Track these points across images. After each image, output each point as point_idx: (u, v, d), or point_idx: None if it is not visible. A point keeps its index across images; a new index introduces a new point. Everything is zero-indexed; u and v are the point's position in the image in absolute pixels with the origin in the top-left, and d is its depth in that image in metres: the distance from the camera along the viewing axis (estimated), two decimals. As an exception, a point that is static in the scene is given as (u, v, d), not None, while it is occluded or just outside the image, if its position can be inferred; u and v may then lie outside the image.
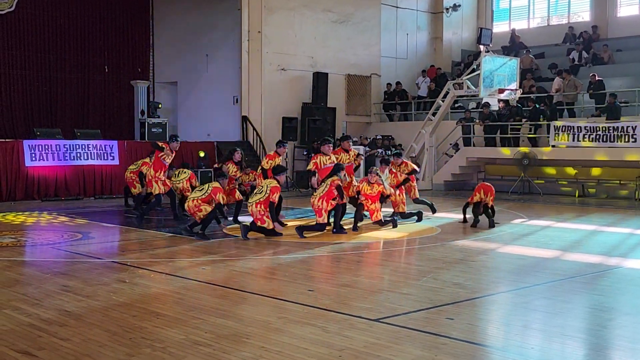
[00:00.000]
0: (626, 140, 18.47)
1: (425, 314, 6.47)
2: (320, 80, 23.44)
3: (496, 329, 6.26)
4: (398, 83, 26.25)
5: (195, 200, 11.33)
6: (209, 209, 11.28)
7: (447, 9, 28.64)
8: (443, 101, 21.67)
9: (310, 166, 13.09)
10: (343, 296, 7.19)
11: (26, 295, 7.13)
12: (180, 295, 7.21)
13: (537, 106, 20.84)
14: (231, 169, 13.86)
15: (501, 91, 20.22)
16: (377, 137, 23.54)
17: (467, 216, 13.21)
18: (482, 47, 20.85)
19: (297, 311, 6.52)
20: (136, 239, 11.40)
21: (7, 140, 18.15)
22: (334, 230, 11.80)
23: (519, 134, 21.35)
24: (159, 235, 11.95)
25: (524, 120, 21.17)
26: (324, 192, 11.67)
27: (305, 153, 22.78)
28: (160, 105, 23.33)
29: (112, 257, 9.68)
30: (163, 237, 11.71)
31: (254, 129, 22.71)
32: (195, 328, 5.89)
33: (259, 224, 11.23)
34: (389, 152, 22.18)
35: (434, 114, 22.09)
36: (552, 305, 6.94)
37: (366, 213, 12.71)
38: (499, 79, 20.14)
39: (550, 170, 20.80)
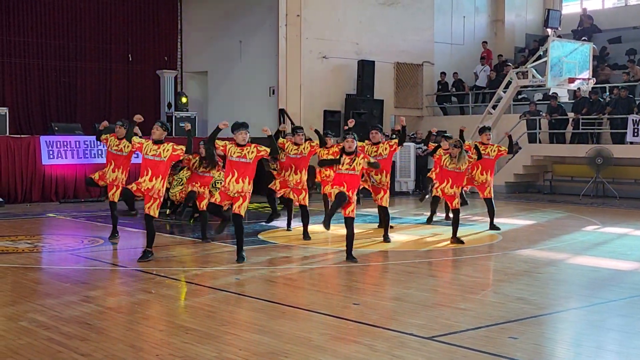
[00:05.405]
0: None
1: (485, 332, 6.43)
2: (366, 69, 23.40)
3: (566, 350, 6.19)
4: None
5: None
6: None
7: (510, -13, 28.37)
8: (505, 92, 21.46)
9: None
10: (392, 311, 7.19)
11: (44, 307, 7.27)
12: (212, 308, 7.28)
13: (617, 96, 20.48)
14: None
15: (571, 81, 19.92)
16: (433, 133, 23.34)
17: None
18: (549, 31, 20.62)
19: (341, 327, 6.53)
20: (163, 245, 11.52)
21: (22, 136, 18.47)
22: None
23: (593, 129, 21.05)
24: (187, 241, 12.08)
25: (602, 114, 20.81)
26: None
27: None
28: (185, 100, 23.30)
29: (137, 265, 9.81)
30: (192, 243, 11.84)
31: (292, 123, 22.76)
32: (228, 345, 5.94)
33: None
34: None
35: (494, 107, 21.89)
36: (630, 324, 6.85)
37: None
38: (569, 67, 19.83)
39: (628, 171, 20.44)
